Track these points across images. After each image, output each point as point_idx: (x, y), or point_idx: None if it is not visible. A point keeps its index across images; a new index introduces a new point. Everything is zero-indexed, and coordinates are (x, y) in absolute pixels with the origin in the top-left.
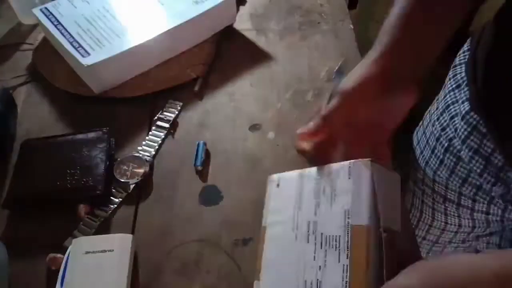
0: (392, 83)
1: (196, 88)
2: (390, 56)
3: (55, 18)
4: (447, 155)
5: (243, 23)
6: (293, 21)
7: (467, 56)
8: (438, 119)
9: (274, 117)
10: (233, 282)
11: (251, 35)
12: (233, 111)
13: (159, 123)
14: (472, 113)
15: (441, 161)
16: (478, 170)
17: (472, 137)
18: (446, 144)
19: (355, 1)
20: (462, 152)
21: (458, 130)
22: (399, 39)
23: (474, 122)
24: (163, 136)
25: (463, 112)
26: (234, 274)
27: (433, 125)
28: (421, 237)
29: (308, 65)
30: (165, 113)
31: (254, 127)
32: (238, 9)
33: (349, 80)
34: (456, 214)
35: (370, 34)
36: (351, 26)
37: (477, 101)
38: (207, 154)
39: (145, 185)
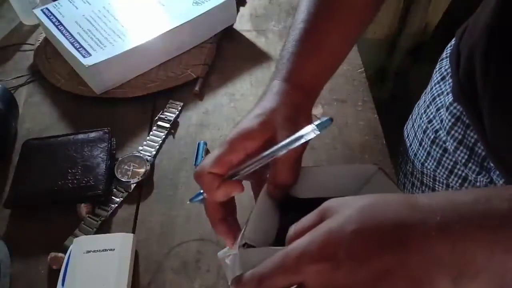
0: (296, 116)
1: (197, 88)
2: (294, 90)
3: (56, 18)
4: (434, 147)
5: (243, 24)
6: None
7: (452, 50)
8: (425, 111)
9: None
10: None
11: (251, 35)
12: (233, 111)
13: (159, 123)
14: (455, 104)
15: (428, 153)
16: (463, 161)
17: (456, 128)
18: (432, 136)
19: None
20: (447, 143)
21: (443, 122)
22: (302, 67)
23: (458, 113)
24: (163, 136)
25: (447, 103)
26: None
27: (420, 118)
28: None
29: None
30: (165, 113)
31: None
32: (238, 10)
33: (255, 114)
34: None
35: (370, 34)
36: None
37: (459, 92)
38: (208, 154)
39: (146, 185)
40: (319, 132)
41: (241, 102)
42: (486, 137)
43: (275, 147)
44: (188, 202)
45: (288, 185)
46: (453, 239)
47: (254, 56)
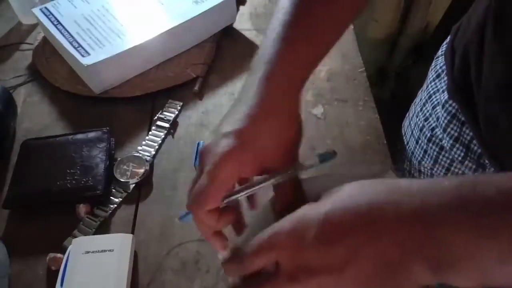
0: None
1: (196, 88)
2: (274, 94)
3: (55, 18)
4: (430, 145)
5: (243, 23)
6: None
7: (447, 47)
8: (421, 109)
9: None
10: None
11: (251, 35)
12: None
13: (159, 123)
14: (451, 102)
15: (425, 151)
16: (460, 158)
17: (452, 125)
18: (428, 134)
19: None
20: (443, 141)
21: (439, 119)
22: (281, 69)
23: (453, 111)
24: (163, 136)
25: (443, 101)
26: None
27: (417, 116)
28: None
29: None
30: (165, 113)
31: None
32: (238, 9)
33: (237, 120)
34: None
35: (370, 34)
36: (351, 26)
37: (454, 89)
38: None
39: (145, 185)
40: (320, 165)
41: None
42: (481, 134)
43: (273, 178)
44: (177, 220)
45: (294, 203)
46: (429, 223)
47: (254, 55)
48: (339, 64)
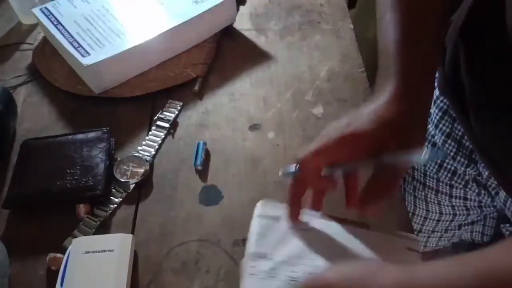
0: (407, 126)
1: (196, 88)
2: (405, 98)
3: (55, 17)
4: None
5: (243, 23)
6: (293, 21)
7: None
8: None
9: (274, 117)
10: (233, 282)
11: (251, 35)
12: (233, 111)
13: (159, 123)
14: (442, 98)
15: None
16: (452, 154)
17: (443, 122)
18: None
19: (354, 0)
20: (436, 137)
21: (431, 116)
22: (409, 70)
23: (445, 107)
24: (163, 136)
25: (434, 97)
26: (234, 274)
27: None
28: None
29: (308, 65)
30: (165, 113)
31: (254, 127)
32: (238, 9)
33: (370, 116)
34: (435, 201)
35: (370, 34)
36: (351, 26)
37: (445, 85)
38: (207, 154)
39: (145, 185)
40: (424, 161)
41: (240, 102)
42: (471, 130)
43: (384, 158)
44: (279, 174)
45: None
46: None
47: (254, 55)
48: (339, 64)
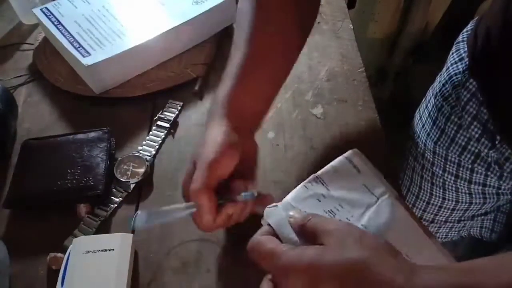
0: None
1: (196, 88)
2: (234, 118)
3: (56, 18)
4: (448, 124)
5: None
6: None
7: (470, 34)
8: (440, 90)
9: (274, 117)
10: (233, 282)
11: None
12: None
13: (159, 122)
14: (471, 80)
15: (442, 131)
16: (476, 135)
17: (471, 103)
18: (447, 113)
19: (354, 1)
20: (462, 120)
21: (460, 98)
22: (239, 98)
23: (474, 89)
24: (163, 136)
25: (464, 80)
26: (234, 273)
27: (435, 97)
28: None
29: (308, 65)
30: (165, 112)
31: None
32: None
33: (207, 150)
34: (453, 188)
35: (370, 34)
36: (351, 26)
37: (475, 68)
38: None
39: (145, 185)
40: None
41: None
42: (497, 112)
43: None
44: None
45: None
46: None
47: None
48: (339, 64)
